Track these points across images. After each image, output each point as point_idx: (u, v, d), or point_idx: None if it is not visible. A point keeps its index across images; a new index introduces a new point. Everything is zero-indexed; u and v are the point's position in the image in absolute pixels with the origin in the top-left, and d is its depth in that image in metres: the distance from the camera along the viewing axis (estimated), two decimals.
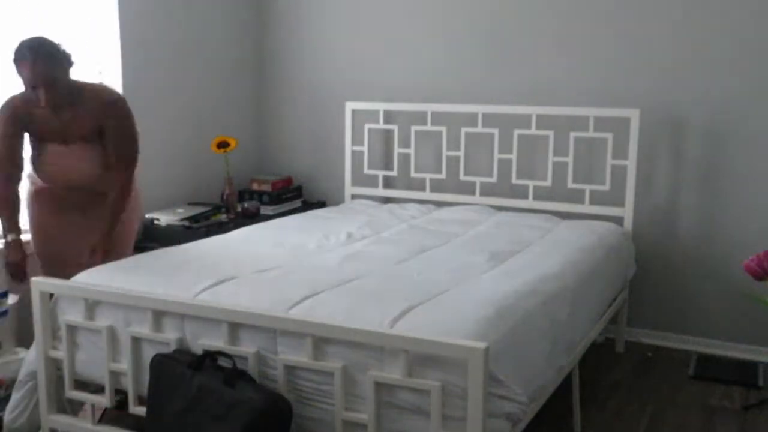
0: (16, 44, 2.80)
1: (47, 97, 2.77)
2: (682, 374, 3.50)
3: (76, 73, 2.96)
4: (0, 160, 2.92)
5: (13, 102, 2.91)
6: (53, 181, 3.02)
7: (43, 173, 3.01)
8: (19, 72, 2.76)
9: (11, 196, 2.97)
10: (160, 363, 2.28)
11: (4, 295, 3.10)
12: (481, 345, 1.84)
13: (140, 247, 3.62)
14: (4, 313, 3.09)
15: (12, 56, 2.77)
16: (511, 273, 2.63)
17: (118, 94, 3.06)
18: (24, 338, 3.20)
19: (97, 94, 2.97)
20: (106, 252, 2.98)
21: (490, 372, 1.93)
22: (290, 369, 2.14)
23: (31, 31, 3.40)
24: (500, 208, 3.92)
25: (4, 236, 3.02)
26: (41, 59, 2.73)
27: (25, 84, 2.79)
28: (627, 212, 3.65)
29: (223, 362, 2.20)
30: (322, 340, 2.08)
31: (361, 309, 2.19)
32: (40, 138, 2.95)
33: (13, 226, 2.97)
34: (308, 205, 4.39)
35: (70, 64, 2.87)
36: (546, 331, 2.37)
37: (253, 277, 2.54)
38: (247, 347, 2.21)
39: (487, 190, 4.01)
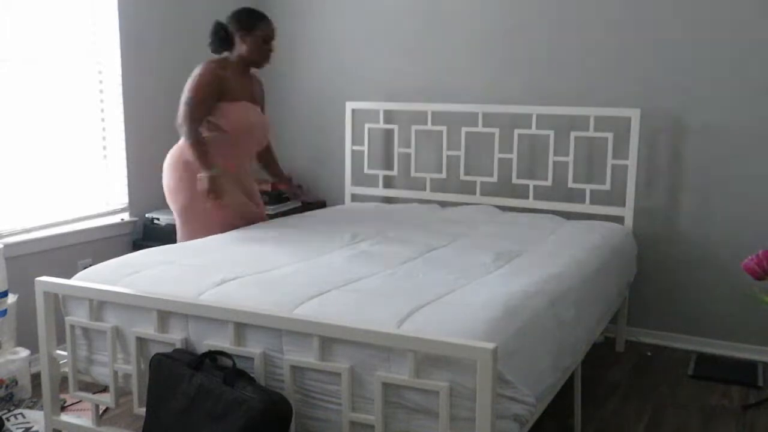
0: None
1: (271, 48, 3.38)
2: (682, 374, 3.51)
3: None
4: (199, 116, 3.26)
5: (211, 66, 3.29)
6: (248, 132, 3.38)
7: (237, 127, 3.32)
8: (253, 33, 3.31)
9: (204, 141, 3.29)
10: (159, 363, 2.28)
11: (5, 294, 3.09)
12: (490, 345, 1.84)
13: (140, 246, 3.62)
14: (4, 312, 3.08)
15: (243, 23, 3.31)
16: (517, 273, 2.63)
17: None
18: (24, 338, 3.19)
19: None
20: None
21: (498, 373, 1.93)
22: (297, 369, 2.14)
23: (30, 30, 3.39)
24: (501, 208, 3.92)
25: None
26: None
27: (256, 43, 3.31)
28: (627, 212, 3.67)
29: (223, 361, 2.20)
30: (329, 341, 2.08)
31: (368, 309, 2.19)
32: (234, 97, 3.32)
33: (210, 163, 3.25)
34: (308, 205, 4.39)
35: None
36: (553, 332, 2.37)
37: (256, 276, 2.53)
38: (253, 347, 2.20)
39: (488, 190, 4.01)
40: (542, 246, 3.13)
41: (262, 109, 3.57)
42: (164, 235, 3.68)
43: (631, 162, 3.62)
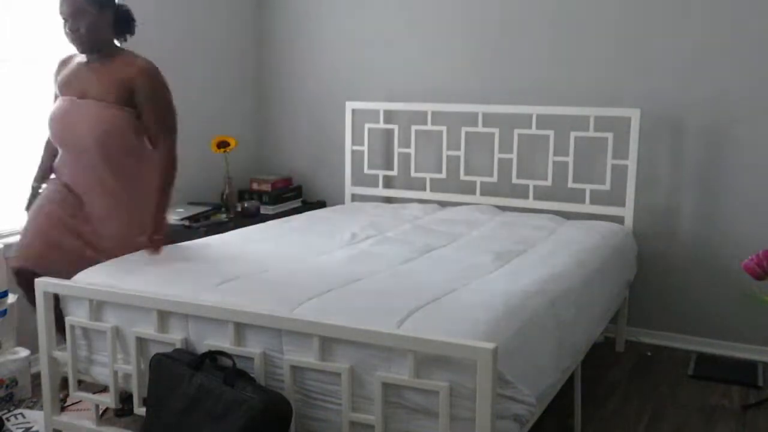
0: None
1: (70, 27, 2.80)
2: (682, 374, 3.51)
3: None
4: None
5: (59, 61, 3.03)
6: (51, 131, 2.93)
7: (50, 130, 2.94)
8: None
9: (47, 148, 3.07)
10: (159, 363, 2.28)
11: (5, 294, 3.09)
12: (490, 345, 1.84)
13: None
14: (4, 312, 3.09)
15: None
16: (517, 273, 2.64)
17: (151, 63, 2.89)
18: (24, 338, 3.19)
19: (131, 57, 2.89)
20: (159, 235, 2.84)
21: (498, 373, 1.93)
22: (297, 369, 2.14)
23: (30, 30, 3.39)
24: (501, 208, 3.93)
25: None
26: None
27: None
28: (627, 212, 3.67)
29: (223, 361, 2.20)
30: (328, 341, 2.08)
31: (367, 309, 2.19)
32: (62, 91, 2.92)
33: (37, 176, 3.09)
34: (308, 205, 4.40)
35: (105, 7, 2.83)
36: (553, 332, 2.38)
37: (256, 277, 2.53)
38: (253, 347, 2.21)
39: (488, 190, 4.01)
40: (542, 246, 3.14)
41: (144, 117, 2.87)
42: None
43: (631, 162, 3.62)
